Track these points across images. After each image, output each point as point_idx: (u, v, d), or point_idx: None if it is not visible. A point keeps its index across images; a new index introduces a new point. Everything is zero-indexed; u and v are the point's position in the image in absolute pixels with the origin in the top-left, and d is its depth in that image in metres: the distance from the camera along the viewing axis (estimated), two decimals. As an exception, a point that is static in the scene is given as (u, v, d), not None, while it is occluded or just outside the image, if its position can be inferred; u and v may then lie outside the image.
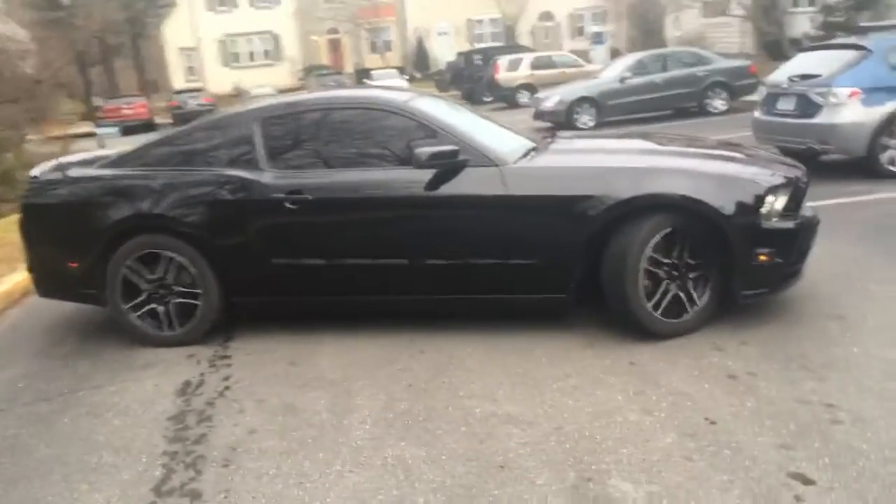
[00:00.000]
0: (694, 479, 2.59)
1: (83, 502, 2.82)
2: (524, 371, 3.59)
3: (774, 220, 3.78)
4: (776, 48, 22.25)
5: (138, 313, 4.35)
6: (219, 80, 37.60)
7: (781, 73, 8.51)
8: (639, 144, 4.77)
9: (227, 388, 3.74)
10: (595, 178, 3.84)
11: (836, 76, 7.48)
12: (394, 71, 33.37)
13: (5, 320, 5.35)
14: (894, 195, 6.68)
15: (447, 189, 3.92)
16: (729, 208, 3.70)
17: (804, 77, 7.93)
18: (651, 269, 3.76)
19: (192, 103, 29.75)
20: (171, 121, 29.96)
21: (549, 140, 4.63)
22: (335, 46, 41.04)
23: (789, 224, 3.83)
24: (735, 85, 15.29)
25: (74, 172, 4.54)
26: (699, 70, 15.27)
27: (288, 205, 4.07)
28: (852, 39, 8.02)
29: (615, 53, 29.37)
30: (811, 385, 3.20)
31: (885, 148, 7.31)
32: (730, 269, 3.78)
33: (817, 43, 9.28)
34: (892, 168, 7.33)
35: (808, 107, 7.69)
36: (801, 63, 8.36)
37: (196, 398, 3.66)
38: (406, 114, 4.18)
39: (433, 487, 2.68)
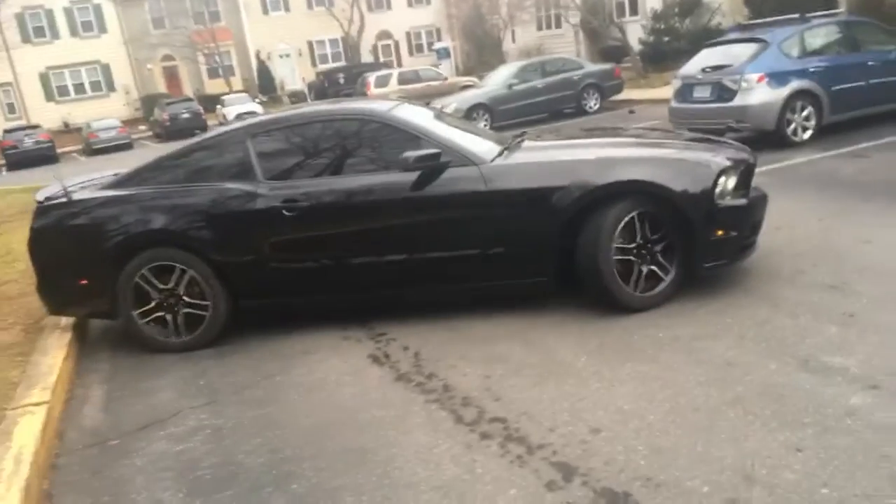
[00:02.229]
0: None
1: (402, 445, 3.19)
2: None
3: (728, 198, 4.28)
4: (613, 53, 24.81)
5: (147, 320, 4.65)
6: (44, 115, 34.82)
7: (691, 67, 10.00)
8: (600, 139, 5.38)
9: (416, 353, 4.15)
10: (566, 170, 4.29)
11: (745, 65, 9.02)
12: (245, 95, 32.83)
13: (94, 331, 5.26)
14: (805, 159, 8.23)
15: (432, 189, 4.33)
16: (686, 190, 4.17)
17: (716, 68, 9.43)
18: (620, 247, 4.20)
19: (29, 142, 27.57)
20: (3, 161, 27.54)
21: (519, 140, 5.17)
22: (172, 73, 39.43)
23: (742, 201, 4.34)
24: (605, 86, 17.11)
25: (79, 195, 4.79)
26: (574, 74, 16.90)
27: (285, 212, 4.44)
28: (749, 34, 9.62)
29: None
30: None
31: (790, 122, 8.93)
32: (691, 245, 4.24)
33: (717, 39, 10.88)
34: (795, 138, 8.95)
35: (723, 92, 9.16)
36: (708, 57, 9.88)
37: (399, 363, 4.04)
38: (390, 122, 4.61)
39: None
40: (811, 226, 5.55)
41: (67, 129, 35.05)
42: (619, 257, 4.21)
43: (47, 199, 4.80)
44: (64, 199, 4.71)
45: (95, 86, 38.21)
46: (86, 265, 4.65)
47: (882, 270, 4.41)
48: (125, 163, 9.54)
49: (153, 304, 4.60)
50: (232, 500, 2.96)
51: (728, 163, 4.37)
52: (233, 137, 4.78)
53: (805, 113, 9.00)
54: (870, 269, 4.44)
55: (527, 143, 4.96)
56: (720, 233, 4.25)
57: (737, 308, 4.14)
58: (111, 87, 38.32)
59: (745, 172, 4.47)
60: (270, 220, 4.47)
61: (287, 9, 39.68)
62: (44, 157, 27.07)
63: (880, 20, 10.73)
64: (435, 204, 4.38)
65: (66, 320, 5.20)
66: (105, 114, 32.40)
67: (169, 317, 4.63)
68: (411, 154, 4.29)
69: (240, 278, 4.57)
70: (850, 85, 9.13)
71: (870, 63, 9.29)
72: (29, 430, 3.49)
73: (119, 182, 4.84)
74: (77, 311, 5.04)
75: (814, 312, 3.94)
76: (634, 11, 27.30)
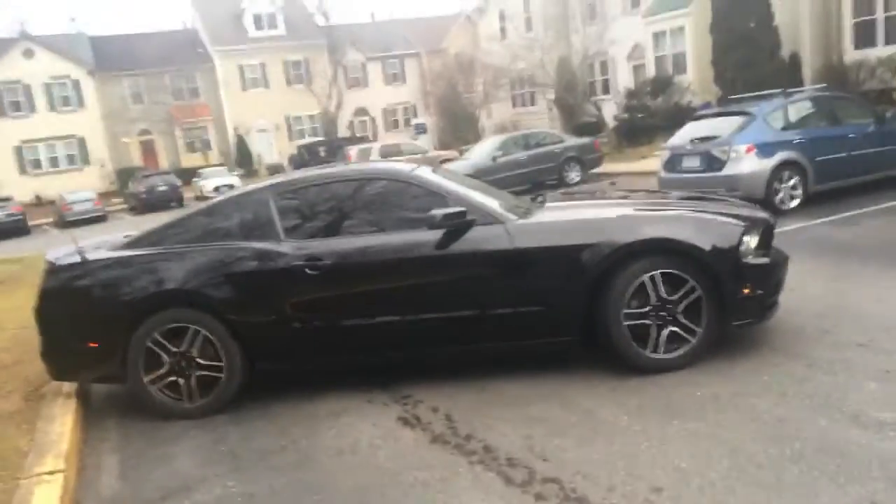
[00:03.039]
0: None
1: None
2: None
3: (751, 256, 4.30)
4: (587, 129, 25.54)
5: (158, 386, 4.45)
6: (17, 188, 34.36)
7: (679, 139, 10.28)
8: (625, 201, 5.42)
9: (447, 415, 4.02)
10: (593, 228, 4.29)
11: (733, 136, 9.30)
12: (223, 168, 32.98)
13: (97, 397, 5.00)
14: (796, 227, 8.41)
15: (458, 247, 4.29)
16: (714, 247, 4.19)
17: (704, 139, 9.71)
18: (631, 312, 4.15)
19: (1, 213, 27.13)
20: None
21: (542, 200, 5.21)
22: (148, 147, 39.52)
23: (765, 260, 4.38)
24: (586, 159, 17.50)
25: (93, 255, 4.65)
26: (555, 147, 17.30)
27: (307, 270, 4.34)
28: (736, 107, 9.97)
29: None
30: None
31: (777, 191, 9.17)
32: (719, 303, 4.20)
33: (703, 112, 11.25)
34: (783, 206, 9.17)
35: (713, 162, 9.41)
36: (695, 129, 10.19)
37: (432, 425, 3.90)
38: (413, 182, 4.61)
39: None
40: (820, 287, 5.61)
41: (40, 203, 34.65)
42: (631, 322, 4.17)
43: (59, 259, 4.65)
44: (78, 259, 4.57)
45: (70, 159, 38.05)
46: (96, 328, 4.47)
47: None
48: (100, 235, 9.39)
49: (165, 368, 4.42)
50: (278, 570, 2.77)
51: (751, 222, 4.43)
52: (255, 196, 4.73)
53: (791, 182, 9.25)
54: (893, 328, 4.47)
55: (550, 204, 4.98)
56: (747, 290, 4.24)
57: (771, 366, 4.11)
58: (86, 161, 38.17)
59: (766, 232, 4.50)
60: (292, 279, 4.37)
61: (266, 86, 40.38)
62: (16, 229, 26.63)
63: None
64: (461, 262, 4.33)
65: (67, 387, 4.97)
66: (79, 187, 32.10)
67: (182, 381, 4.45)
68: (439, 212, 4.26)
69: (257, 339, 4.43)
70: (832, 156, 9.44)
71: (850, 136, 9.65)
72: (46, 499, 3.26)
73: (135, 241, 4.73)
74: (84, 377, 4.81)
75: (849, 370, 3.92)
76: (606, 90, 28.31)
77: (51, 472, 3.56)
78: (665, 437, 3.41)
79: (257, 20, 40.63)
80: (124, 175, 35.20)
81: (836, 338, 4.44)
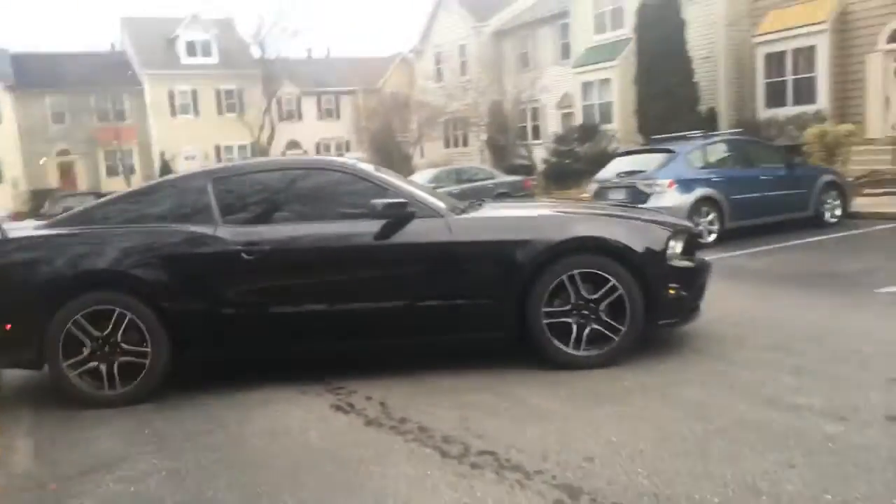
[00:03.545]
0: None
1: (390, 476, 3.02)
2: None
3: (677, 260, 4.51)
4: (518, 170, 26.19)
5: (78, 372, 4.25)
6: (-82, 203, 32.41)
7: (606, 173, 10.71)
8: (557, 206, 5.65)
9: (382, 402, 4.00)
10: (528, 225, 4.46)
11: (656, 171, 9.77)
12: (146, 193, 31.93)
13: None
14: (714, 257, 8.79)
15: (398, 238, 4.33)
16: (645, 248, 4.37)
17: (629, 173, 10.15)
18: (551, 310, 4.29)
19: None
20: None
21: (479, 203, 5.32)
22: (67, 169, 38.02)
23: (690, 263, 4.62)
24: (516, 196, 17.91)
25: (15, 233, 4.51)
26: (487, 182, 17.69)
27: (244, 255, 4.28)
28: (660, 146, 10.49)
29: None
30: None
31: (697, 224, 9.63)
32: (648, 303, 4.33)
33: (627, 149, 11.75)
34: (702, 240, 9.63)
35: (637, 195, 9.82)
36: (620, 164, 10.64)
37: (366, 411, 3.88)
38: (357, 173, 4.64)
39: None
40: (737, 304, 5.91)
41: (-57, 220, 32.66)
42: (551, 320, 4.28)
43: None
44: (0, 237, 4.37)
45: (-20, 177, 36.18)
46: (13, 308, 4.24)
47: (814, 336, 4.73)
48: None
49: (85, 353, 4.22)
50: (207, 532, 2.68)
51: (677, 228, 4.68)
52: (192, 181, 4.66)
53: (710, 217, 9.76)
54: (803, 335, 4.76)
55: (487, 205, 5.11)
56: (672, 292, 4.44)
57: (695, 364, 4.30)
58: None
59: (690, 239, 4.75)
60: (228, 264, 4.30)
61: (196, 113, 39.71)
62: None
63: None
64: (398, 252, 4.37)
65: (-25, 377, 4.69)
66: (-10, 204, 30.56)
67: (103, 367, 4.25)
68: (380, 201, 4.30)
69: (187, 325, 4.30)
70: (746, 195, 10.03)
71: (762, 178, 10.29)
72: (-46, 469, 3.06)
73: (61, 221, 4.57)
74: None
75: (766, 367, 4.14)
76: (537, 136, 29.19)
77: (-41, 448, 3.35)
78: (594, 419, 3.51)
79: (190, 47, 40.09)
80: (39, 196, 33.65)
81: (752, 342, 4.68)
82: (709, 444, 3.09)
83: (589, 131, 24.41)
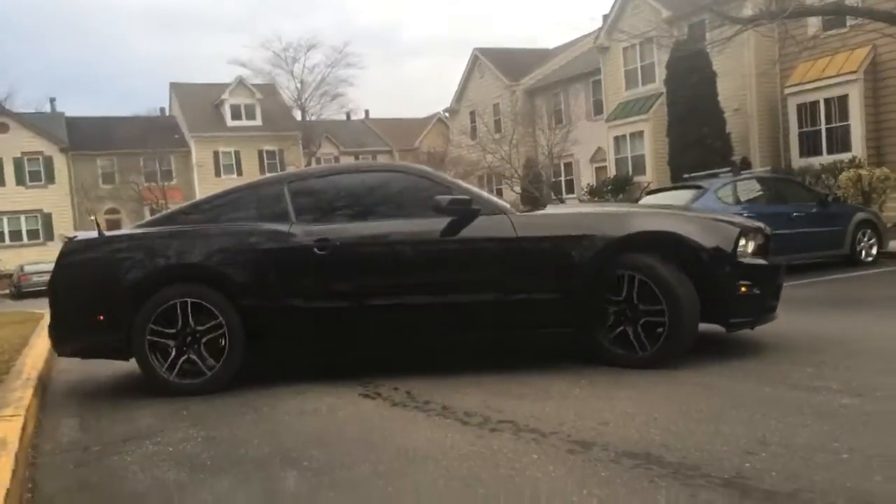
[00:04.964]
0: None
1: (412, 437, 3.15)
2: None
3: (748, 258, 4.45)
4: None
5: (162, 362, 4.42)
6: (-26, 259, 33.84)
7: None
8: (623, 205, 5.82)
9: (408, 391, 4.13)
10: (591, 220, 4.52)
11: (689, 205, 9.85)
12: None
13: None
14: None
15: (464, 233, 4.42)
16: (715, 247, 4.32)
17: (661, 208, 10.25)
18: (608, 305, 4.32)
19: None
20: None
21: (541, 205, 5.63)
22: (115, 225, 39.37)
23: (762, 261, 4.55)
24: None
25: (111, 233, 4.88)
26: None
27: (316, 250, 4.45)
28: (690, 183, 10.62)
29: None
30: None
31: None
32: (717, 299, 4.31)
33: (658, 187, 11.88)
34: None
35: (667, 230, 9.92)
36: (651, 201, 10.75)
37: (392, 397, 4.02)
38: (423, 175, 4.80)
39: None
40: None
41: (-2, 275, 33.99)
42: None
43: (79, 236, 4.85)
44: (96, 235, 4.71)
45: (33, 234, 37.69)
46: (106, 301, 4.49)
47: (840, 340, 4.76)
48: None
49: (172, 344, 4.41)
50: (237, 477, 2.83)
51: (748, 227, 4.57)
52: (269, 184, 4.97)
53: (741, 253, 9.76)
54: (831, 339, 4.79)
55: (549, 207, 5.24)
56: (744, 289, 4.33)
57: (725, 359, 4.31)
58: (49, 236, 37.77)
59: (764, 239, 4.63)
60: (301, 259, 4.48)
61: (239, 172, 41.03)
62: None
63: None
64: (466, 248, 4.45)
65: (26, 374, 4.95)
66: (42, 259, 31.75)
67: (184, 356, 4.42)
68: (445, 197, 4.38)
69: (263, 317, 4.47)
70: (778, 231, 10.00)
71: (794, 214, 10.29)
72: (8, 428, 3.28)
73: (153, 222, 4.96)
74: (89, 351, 4.77)
75: (790, 360, 4.18)
76: (571, 190, 29.51)
77: (11, 417, 3.57)
78: (614, 398, 3.59)
79: (235, 111, 41.81)
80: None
81: (788, 348, 4.69)
82: (724, 413, 3.16)
83: (622, 183, 24.62)
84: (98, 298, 4.53)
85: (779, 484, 2.30)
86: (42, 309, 14.02)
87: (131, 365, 4.85)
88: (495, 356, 4.76)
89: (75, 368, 5.55)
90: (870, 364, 3.96)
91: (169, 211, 5.05)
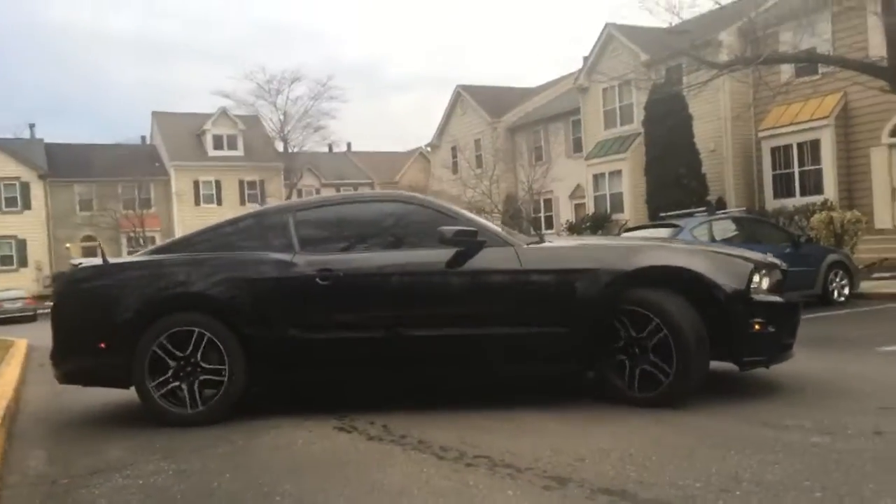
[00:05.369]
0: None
1: (388, 472, 3.13)
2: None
3: (762, 295, 4.29)
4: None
5: (162, 392, 4.37)
6: (-56, 284, 33.15)
7: (614, 247, 10.96)
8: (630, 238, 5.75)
9: (384, 425, 4.10)
10: (597, 254, 4.43)
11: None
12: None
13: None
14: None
15: (469, 265, 4.33)
16: (723, 280, 4.17)
17: (637, 247, 10.39)
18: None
19: None
20: None
21: (544, 235, 5.39)
22: (90, 253, 38.90)
23: (777, 298, 4.39)
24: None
25: (115, 259, 4.88)
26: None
27: (318, 280, 4.40)
28: (667, 221, 10.78)
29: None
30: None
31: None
32: (730, 337, 4.16)
33: (636, 225, 12.03)
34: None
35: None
36: (631, 237, 10.89)
37: (368, 430, 3.99)
38: (428, 205, 4.73)
39: (663, 432, 3.52)
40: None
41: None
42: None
43: (83, 263, 4.84)
44: (100, 262, 4.72)
45: (6, 260, 37.14)
46: (108, 328, 4.45)
47: (815, 380, 4.79)
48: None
49: (169, 373, 4.36)
50: (210, 512, 2.79)
51: (762, 262, 4.43)
52: (276, 213, 4.95)
53: (716, 291, 9.89)
54: (806, 379, 4.82)
55: (553, 239, 5.12)
56: (758, 326, 4.18)
57: (697, 396, 4.34)
58: (23, 263, 37.31)
59: (778, 276, 4.53)
60: (304, 289, 4.46)
61: (220, 202, 40.92)
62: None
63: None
64: (471, 281, 4.37)
65: (-6, 405, 4.85)
66: (14, 285, 31.28)
67: (184, 386, 4.37)
68: (451, 228, 4.29)
69: (264, 347, 4.42)
70: (753, 271, 10.18)
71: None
72: (-27, 459, 3.21)
73: (156, 249, 4.95)
74: (90, 379, 4.72)
75: (763, 398, 4.24)
76: (550, 226, 29.74)
77: (-24, 447, 3.50)
78: (588, 433, 3.61)
79: (217, 140, 41.83)
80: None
81: (761, 386, 4.73)
82: (698, 450, 3.18)
83: (600, 220, 24.88)
84: (100, 326, 4.50)
85: (751, 522, 2.32)
86: (13, 336, 13.75)
87: (104, 397, 4.79)
88: (473, 390, 4.75)
89: (46, 399, 5.45)
90: (842, 403, 4.01)
91: (176, 238, 5.05)
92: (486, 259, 4.35)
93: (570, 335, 4.21)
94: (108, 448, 3.93)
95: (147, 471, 3.40)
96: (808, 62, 17.45)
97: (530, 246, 4.51)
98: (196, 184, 40.67)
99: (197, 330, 4.38)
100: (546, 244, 4.67)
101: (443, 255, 4.37)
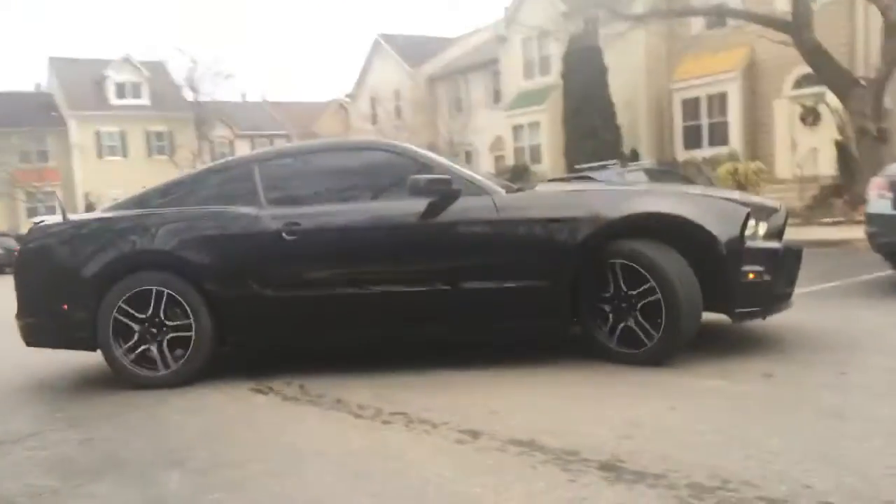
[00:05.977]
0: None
1: (303, 433, 3.13)
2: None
3: (758, 241, 4.00)
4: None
5: (132, 356, 4.26)
6: None
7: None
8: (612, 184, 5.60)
9: (301, 385, 4.08)
10: (580, 201, 4.13)
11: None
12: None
13: None
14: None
15: (443, 217, 4.09)
16: (715, 227, 3.86)
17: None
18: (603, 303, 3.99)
19: None
20: None
21: (529, 185, 5.17)
22: (-15, 210, 36.63)
23: (774, 244, 4.13)
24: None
25: (75, 217, 4.64)
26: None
27: (285, 235, 4.20)
28: (581, 174, 11.04)
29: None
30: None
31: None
32: (722, 287, 3.91)
33: (551, 178, 12.25)
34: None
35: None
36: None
37: (284, 391, 3.97)
38: (402, 152, 4.40)
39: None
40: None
41: None
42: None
43: (44, 221, 4.64)
44: (60, 220, 4.50)
45: None
46: (68, 289, 4.28)
47: (714, 327, 5.06)
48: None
49: (135, 335, 4.21)
50: (116, 481, 2.73)
51: (758, 206, 4.18)
52: (240, 164, 4.67)
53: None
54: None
55: (539, 186, 4.98)
56: (752, 276, 3.92)
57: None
58: (-89, 220, 34.79)
59: (777, 221, 4.28)
60: (269, 244, 4.24)
61: (125, 154, 39.09)
62: None
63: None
64: (444, 231, 4.13)
65: None
66: None
67: (153, 348, 4.22)
68: (423, 177, 4.04)
69: (229, 305, 4.24)
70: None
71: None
72: None
73: (118, 205, 4.69)
74: (55, 342, 4.54)
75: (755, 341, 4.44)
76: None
77: None
78: (500, 384, 3.71)
79: (120, 88, 39.70)
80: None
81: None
82: (608, 400, 3.32)
83: (520, 172, 25.15)
84: (61, 287, 4.31)
85: (651, 465, 2.46)
86: None
87: (17, 361, 4.57)
88: (391, 349, 4.77)
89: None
90: (743, 350, 4.22)
91: (140, 193, 4.74)
92: (460, 209, 4.10)
93: (552, 289, 4.01)
94: (13, 418, 3.78)
95: (51, 441, 3.29)
96: (718, 15, 17.94)
97: (509, 194, 4.24)
98: (98, 135, 38.63)
99: (155, 288, 4.19)
100: (526, 192, 4.44)
101: (417, 206, 4.12)
